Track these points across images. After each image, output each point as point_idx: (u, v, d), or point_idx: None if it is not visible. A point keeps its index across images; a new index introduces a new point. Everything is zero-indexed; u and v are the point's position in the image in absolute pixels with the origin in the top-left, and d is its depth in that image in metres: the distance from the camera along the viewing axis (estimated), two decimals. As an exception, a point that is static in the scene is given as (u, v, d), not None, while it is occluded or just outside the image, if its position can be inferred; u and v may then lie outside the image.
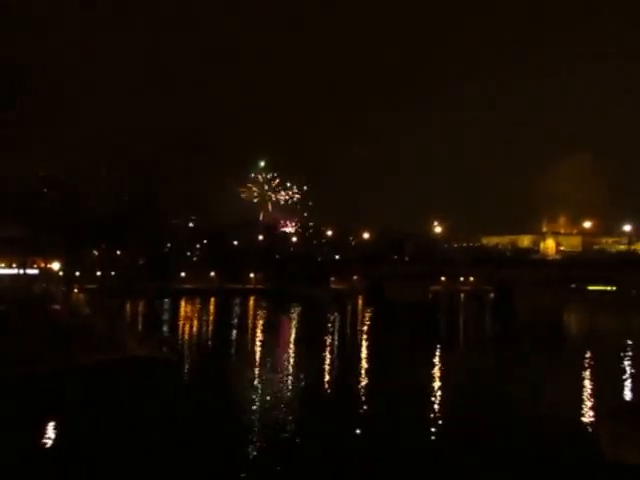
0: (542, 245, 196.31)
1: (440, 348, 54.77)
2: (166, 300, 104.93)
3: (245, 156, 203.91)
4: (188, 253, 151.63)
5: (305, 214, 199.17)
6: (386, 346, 57.17)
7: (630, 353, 53.65)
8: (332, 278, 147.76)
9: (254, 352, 51.88)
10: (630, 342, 60.95)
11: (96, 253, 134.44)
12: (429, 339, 61.15)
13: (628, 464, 12.36)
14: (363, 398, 33.96)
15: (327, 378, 40.57)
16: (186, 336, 64.42)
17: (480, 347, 60.63)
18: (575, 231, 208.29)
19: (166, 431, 26.59)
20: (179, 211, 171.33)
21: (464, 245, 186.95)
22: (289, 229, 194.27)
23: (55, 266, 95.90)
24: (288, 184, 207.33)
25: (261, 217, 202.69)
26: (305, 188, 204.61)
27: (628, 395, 36.56)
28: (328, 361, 48.63)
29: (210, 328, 74.38)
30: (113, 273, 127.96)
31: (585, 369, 45.20)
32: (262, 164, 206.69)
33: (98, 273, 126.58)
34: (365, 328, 76.82)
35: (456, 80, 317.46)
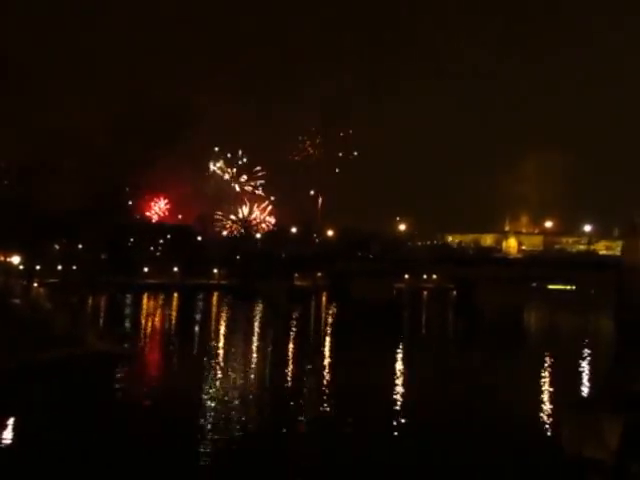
0: (504, 244, 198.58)
1: (402, 346, 55.16)
2: (128, 295, 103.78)
3: (207, 150, 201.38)
4: (151, 248, 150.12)
5: (269, 208, 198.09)
6: (348, 343, 57.43)
7: (588, 351, 54.80)
8: (296, 275, 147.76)
9: (216, 348, 51.68)
10: (587, 340, 62.26)
11: (57, 247, 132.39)
12: (391, 337, 61.54)
13: (587, 458, 12.67)
14: (316, 396, 33.83)
15: (289, 375, 40.52)
16: (148, 331, 64.01)
17: (442, 345, 61.32)
18: (537, 231, 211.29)
19: (120, 428, 26.28)
20: (142, 205, 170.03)
21: (428, 243, 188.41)
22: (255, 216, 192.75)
23: (15, 260, 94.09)
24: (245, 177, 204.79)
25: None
26: (261, 181, 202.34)
27: (587, 392, 37.31)
28: (290, 358, 48.66)
29: (172, 323, 73.96)
30: (74, 267, 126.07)
31: (544, 367, 45.99)
32: (216, 149, 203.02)
33: (59, 267, 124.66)
34: (327, 325, 77.19)
35: (421, 79, 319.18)
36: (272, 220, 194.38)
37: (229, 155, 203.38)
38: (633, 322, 70.35)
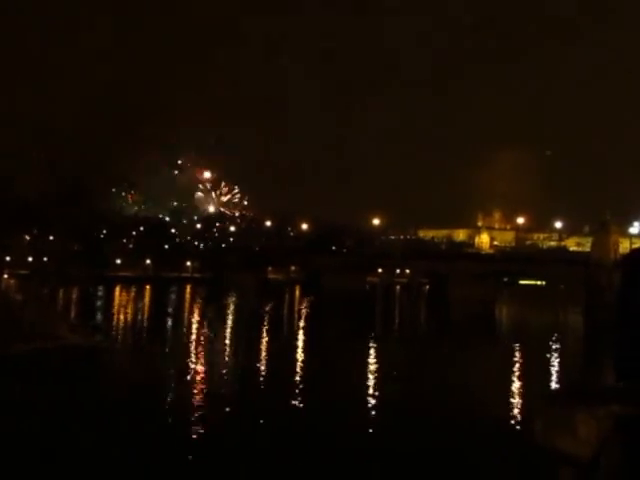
0: (477, 239, 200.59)
1: (373, 340, 55.39)
2: (100, 287, 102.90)
3: (180, 140, 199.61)
4: (124, 240, 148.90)
5: (245, 201, 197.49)
6: (319, 337, 57.60)
7: (557, 346, 55.60)
8: (270, 268, 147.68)
9: (188, 341, 51.49)
10: (557, 335, 63.15)
11: (28, 238, 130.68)
12: (363, 330, 61.80)
13: (560, 451, 12.91)
14: (289, 389, 33.90)
15: (261, 369, 40.45)
16: (120, 324, 63.53)
17: (413, 339, 61.74)
18: (509, 227, 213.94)
19: (88, 421, 26.11)
20: (114, 196, 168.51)
21: (401, 238, 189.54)
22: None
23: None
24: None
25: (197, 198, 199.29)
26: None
27: (557, 386, 37.86)
28: (262, 351, 48.65)
29: (145, 316, 73.57)
30: (46, 259, 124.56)
31: (515, 361, 46.57)
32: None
33: (30, 259, 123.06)
34: (300, 319, 77.28)
35: (396, 78, 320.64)
36: (246, 213, 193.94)
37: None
38: (600, 318, 71.55)
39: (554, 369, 44.29)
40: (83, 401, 29.47)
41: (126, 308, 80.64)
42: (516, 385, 37.39)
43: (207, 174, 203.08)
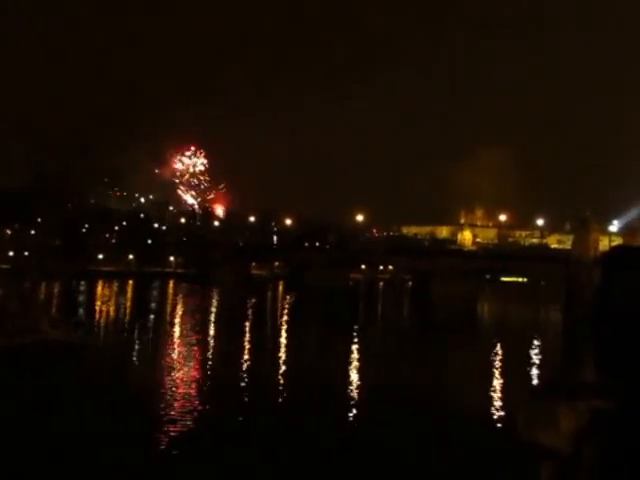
0: (459, 236, 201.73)
1: (356, 336, 55.56)
2: (82, 282, 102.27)
3: (163, 135, 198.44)
4: (106, 235, 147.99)
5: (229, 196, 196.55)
6: (302, 333, 57.74)
7: (538, 342, 56.17)
8: (253, 264, 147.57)
9: (171, 336, 51.41)
10: (538, 331, 63.81)
11: (9, 232, 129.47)
12: (346, 326, 61.98)
13: (543, 445, 13.06)
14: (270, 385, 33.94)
15: (243, 365, 40.34)
16: (102, 319, 63.30)
17: (396, 335, 62.04)
18: (491, 224, 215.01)
19: (60, 416, 26.01)
20: (97, 191, 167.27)
21: (384, 234, 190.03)
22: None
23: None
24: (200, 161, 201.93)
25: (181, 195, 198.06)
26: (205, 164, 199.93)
27: (538, 381, 38.27)
28: (245, 347, 48.63)
29: (127, 311, 73.29)
30: (27, 253, 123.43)
31: (497, 356, 46.99)
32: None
33: (11, 253, 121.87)
34: (283, 314, 77.42)
35: (377, 72, 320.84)
36: (229, 208, 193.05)
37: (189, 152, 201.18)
38: (580, 314, 72.30)
39: (535, 364, 44.75)
40: (58, 396, 29.32)
41: (108, 303, 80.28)
42: (497, 380, 37.76)
43: (191, 169, 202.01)
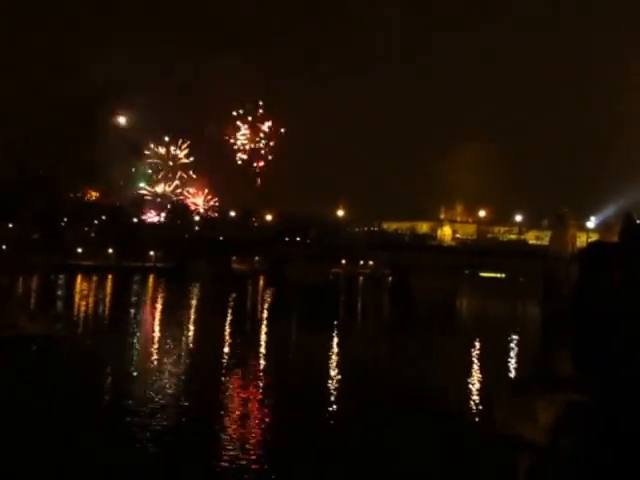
0: (439, 232, 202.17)
1: (336, 331, 55.80)
2: (61, 276, 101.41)
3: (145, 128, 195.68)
4: (85, 228, 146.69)
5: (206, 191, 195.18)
6: (282, 328, 57.87)
7: (516, 336, 56.78)
8: (234, 258, 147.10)
9: (151, 330, 51.34)
10: (516, 326, 64.46)
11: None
12: (326, 321, 62.14)
13: (521, 438, 13.36)
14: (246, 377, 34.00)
15: (223, 360, 40.34)
16: (81, 313, 62.95)
17: (375, 330, 62.39)
18: (471, 220, 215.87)
19: (51, 409, 25.96)
20: (76, 184, 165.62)
21: (365, 229, 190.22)
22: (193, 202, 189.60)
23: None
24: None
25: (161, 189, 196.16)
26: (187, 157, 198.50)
27: (516, 375, 38.73)
28: (224, 341, 48.55)
29: (106, 306, 72.91)
30: (5, 247, 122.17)
31: (476, 350, 47.47)
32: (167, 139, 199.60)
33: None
34: (263, 309, 77.44)
35: (358, 67, 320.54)
36: (204, 202, 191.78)
37: (166, 139, 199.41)
38: (557, 309, 73.05)
39: (513, 358, 45.29)
40: (30, 389, 29.19)
41: (87, 297, 79.76)
42: (476, 373, 38.17)
43: (170, 162, 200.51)
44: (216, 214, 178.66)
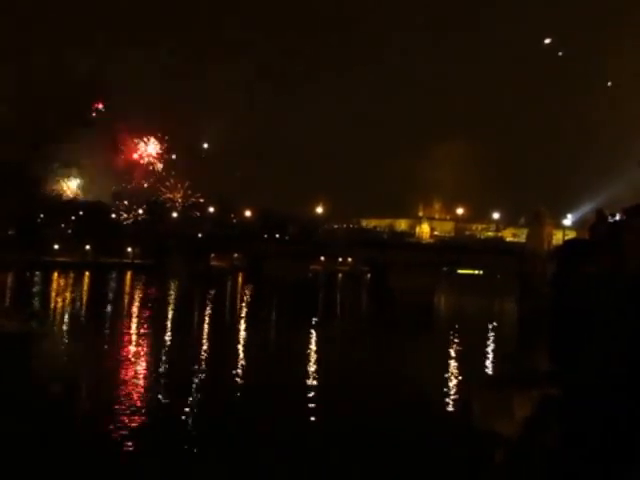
0: (418, 229, 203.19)
1: (314, 327, 55.87)
2: (37, 273, 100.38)
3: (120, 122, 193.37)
4: (62, 225, 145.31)
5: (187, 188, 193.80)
6: (260, 324, 57.91)
7: (493, 333, 57.33)
8: (213, 255, 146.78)
9: (128, 328, 51.01)
10: (493, 322, 65.07)
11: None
12: (305, 317, 62.19)
13: (497, 434, 13.51)
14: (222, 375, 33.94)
15: (201, 357, 40.06)
16: (58, 311, 62.42)
17: (354, 326, 62.55)
18: (449, 217, 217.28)
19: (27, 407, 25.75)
20: (53, 180, 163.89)
21: (344, 227, 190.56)
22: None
23: None
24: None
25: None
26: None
27: (493, 371, 39.10)
28: (202, 338, 48.42)
29: (84, 303, 72.38)
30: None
31: (453, 347, 47.84)
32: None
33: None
34: (242, 306, 77.34)
35: (338, 65, 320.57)
36: (183, 198, 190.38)
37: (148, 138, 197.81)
38: (534, 306, 73.79)
39: (490, 354, 45.72)
40: (16, 386, 28.92)
41: (64, 294, 79.09)
42: (453, 370, 38.47)
43: (146, 159, 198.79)
44: (196, 211, 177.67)
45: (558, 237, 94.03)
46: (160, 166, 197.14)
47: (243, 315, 64.80)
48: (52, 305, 66.15)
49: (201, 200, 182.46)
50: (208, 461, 21.14)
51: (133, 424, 24.24)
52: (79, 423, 24.44)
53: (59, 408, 26.19)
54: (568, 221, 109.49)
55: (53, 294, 78.46)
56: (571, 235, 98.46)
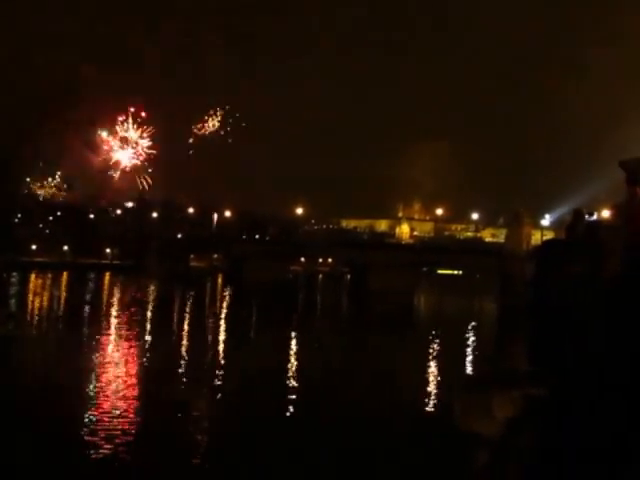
0: (397, 230, 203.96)
1: (294, 327, 55.79)
2: (14, 274, 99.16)
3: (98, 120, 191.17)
4: (40, 225, 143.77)
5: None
6: (240, 325, 57.72)
7: (473, 333, 57.61)
8: (192, 256, 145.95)
9: (105, 330, 50.48)
10: (472, 322, 65.35)
11: None
12: (284, 318, 62.06)
13: (478, 434, 13.53)
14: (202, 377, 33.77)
15: (180, 361, 39.69)
16: (35, 312, 61.75)
17: (334, 327, 62.51)
18: (428, 217, 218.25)
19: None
20: (30, 179, 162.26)
21: (324, 227, 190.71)
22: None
23: None
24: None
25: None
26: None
27: (473, 371, 39.23)
28: (182, 341, 48.00)
29: (61, 304, 71.64)
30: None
31: (433, 347, 47.97)
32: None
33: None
34: (222, 307, 77.04)
35: (312, 59, 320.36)
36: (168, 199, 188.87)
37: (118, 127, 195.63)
38: (512, 306, 74.26)
39: (470, 354, 45.92)
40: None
41: (41, 296, 78.26)
42: (433, 370, 38.59)
43: (127, 160, 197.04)
44: (176, 212, 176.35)
45: (537, 237, 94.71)
46: (138, 163, 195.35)
47: (223, 319, 64.30)
48: (29, 307, 65.43)
49: (180, 200, 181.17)
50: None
51: (107, 429, 23.96)
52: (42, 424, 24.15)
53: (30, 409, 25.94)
54: (546, 221, 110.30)
55: (30, 295, 77.58)
56: (549, 235, 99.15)
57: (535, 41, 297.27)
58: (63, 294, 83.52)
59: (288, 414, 27.33)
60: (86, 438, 22.83)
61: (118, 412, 26.33)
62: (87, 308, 66.35)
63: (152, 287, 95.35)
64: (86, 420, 24.90)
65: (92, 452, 21.50)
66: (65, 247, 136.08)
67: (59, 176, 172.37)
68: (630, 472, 5.92)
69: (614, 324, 6.75)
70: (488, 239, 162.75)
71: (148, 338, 47.31)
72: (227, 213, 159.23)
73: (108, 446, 22.11)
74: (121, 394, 29.50)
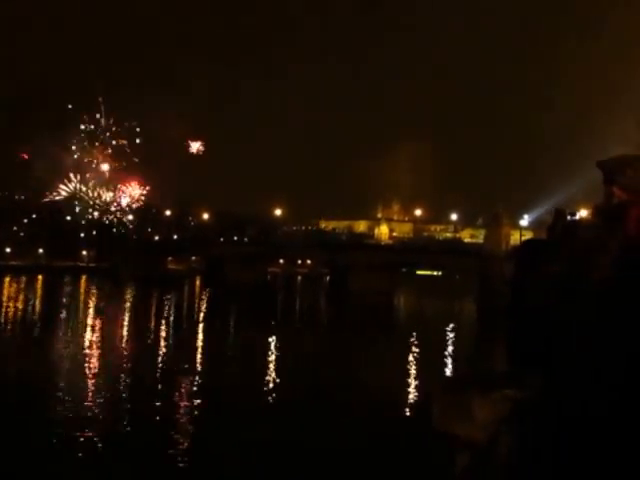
0: (377, 231, 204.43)
1: (273, 330, 55.26)
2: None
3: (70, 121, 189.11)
4: (14, 227, 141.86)
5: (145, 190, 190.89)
6: (219, 328, 57.20)
7: (452, 334, 57.60)
8: (170, 258, 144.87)
9: (82, 336, 49.65)
10: (452, 323, 65.38)
11: None
12: (263, 321, 61.52)
13: (457, 436, 13.34)
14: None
15: (158, 365, 39.02)
16: (10, 317, 60.72)
17: (313, 329, 62.22)
18: (407, 218, 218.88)
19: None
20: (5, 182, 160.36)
21: (303, 228, 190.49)
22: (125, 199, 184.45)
23: None
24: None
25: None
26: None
27: (453, 372, 39.16)
28: (160, 345, 47.29)
29: (36, 309, 70.49)
30: None
31: (413, 348, 47.78)
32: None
33: None
34: (200, 310, 76.39)
35: (294, 62, 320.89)
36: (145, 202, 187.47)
37: (92, 126, 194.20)
38: (492, 306, 74.54)
39: (450, 355, 45.85)
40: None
41: (16, 300, 76.87)
42: (413, 371, 38.39)
43: (105, 165, 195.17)
44: (153, 214, 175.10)
45: (515, 237, 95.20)
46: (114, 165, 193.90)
47: (201, 322, 63.51)
48: (3, 312, 64.37)
49: (158, 202, 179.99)
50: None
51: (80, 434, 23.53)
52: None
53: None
54: (525, 221, 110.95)
55: (3, 299, 76.26)
56: (528, 235, 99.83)
57: (521, 41, 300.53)
58: (38, 298, 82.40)
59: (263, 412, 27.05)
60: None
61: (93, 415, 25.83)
62: (61, 314, 65.13)
63: (129, 291, 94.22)
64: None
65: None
66: (40, 250, 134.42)
67: (35, 177, 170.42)
68: (622, 472, 5.73)
69: (609, 325, 6.52)
70: (467, 240, 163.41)
71: (125, 343, 46.65)
72: (205, 215, 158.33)
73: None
74: (100, 398, 28.95)
